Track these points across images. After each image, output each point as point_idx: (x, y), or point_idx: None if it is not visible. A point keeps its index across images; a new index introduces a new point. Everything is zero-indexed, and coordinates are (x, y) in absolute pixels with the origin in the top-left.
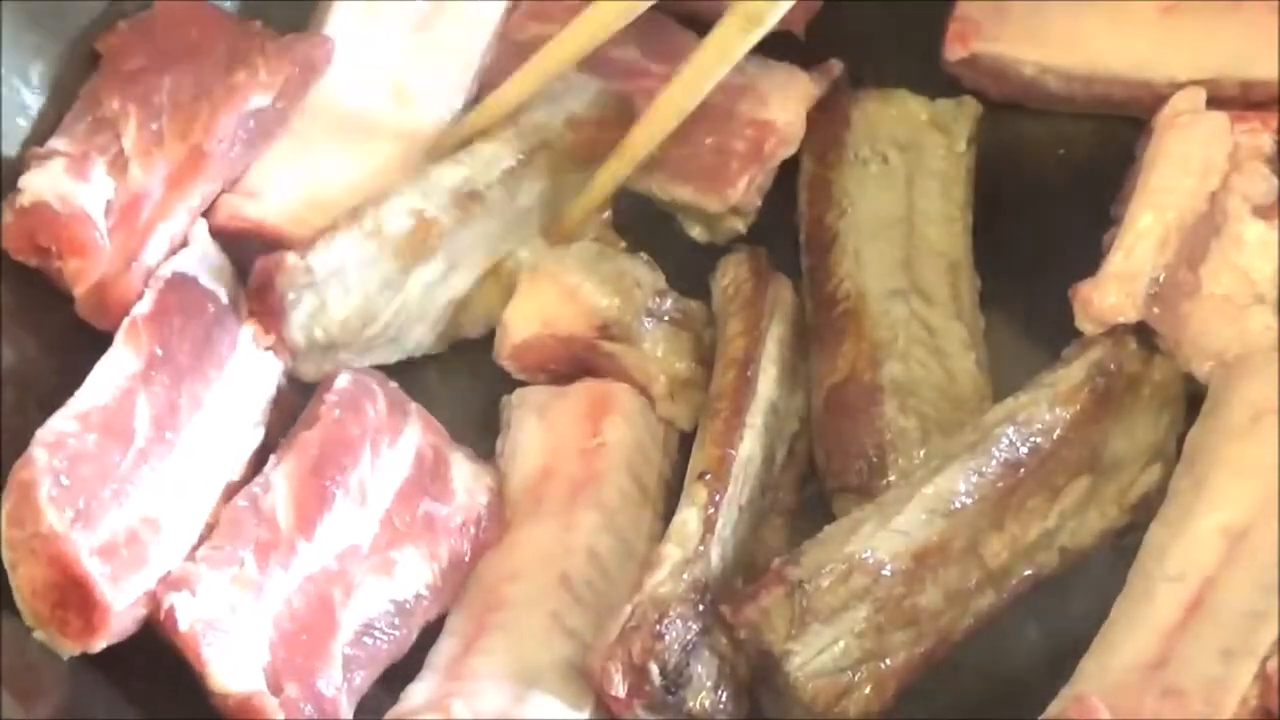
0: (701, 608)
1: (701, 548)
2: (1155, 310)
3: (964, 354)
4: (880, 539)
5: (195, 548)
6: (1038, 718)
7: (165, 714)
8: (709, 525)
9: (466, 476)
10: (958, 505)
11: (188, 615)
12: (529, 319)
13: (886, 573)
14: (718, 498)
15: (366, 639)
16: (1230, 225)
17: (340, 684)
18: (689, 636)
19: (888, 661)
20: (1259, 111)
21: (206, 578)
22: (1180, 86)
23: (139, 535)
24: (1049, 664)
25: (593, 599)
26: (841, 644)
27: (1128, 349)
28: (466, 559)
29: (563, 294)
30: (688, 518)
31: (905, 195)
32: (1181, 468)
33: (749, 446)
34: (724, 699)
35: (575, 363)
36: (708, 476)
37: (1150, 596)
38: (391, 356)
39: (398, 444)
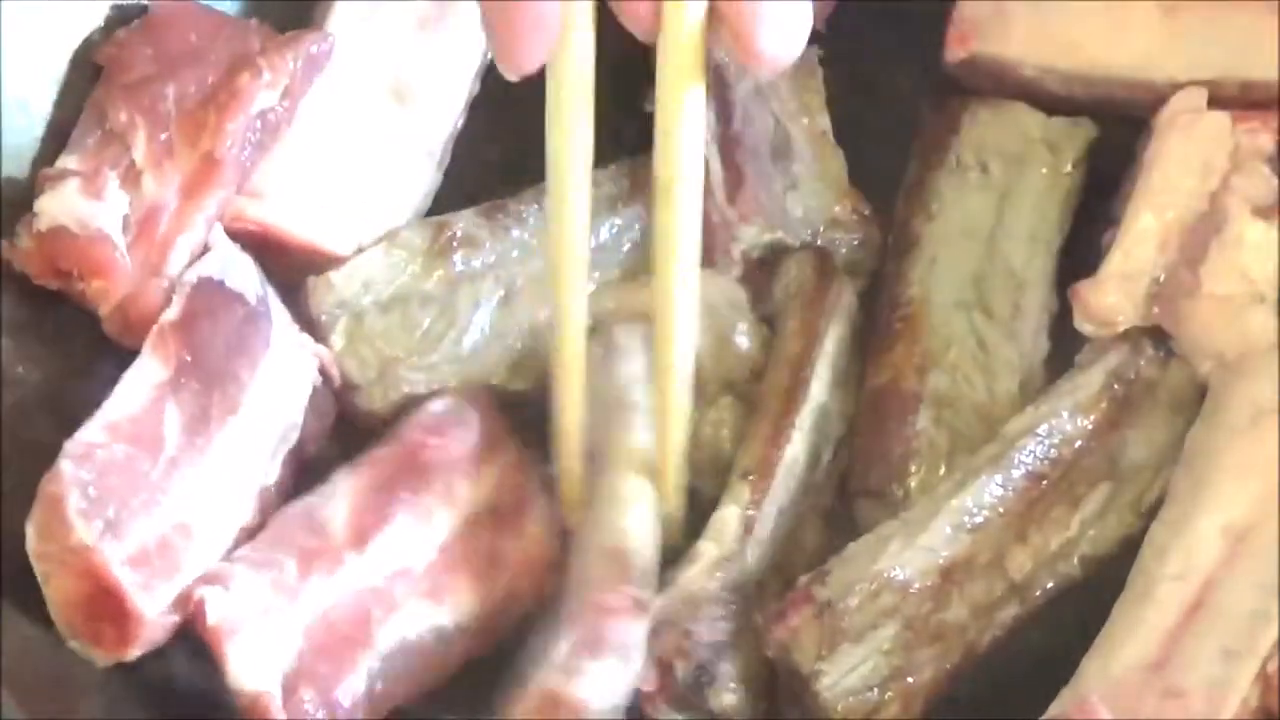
0: (734, 607)
1: (738, 548)
2: (1155, 310)
3: (1010, 376)
4: (908, 556)
5: (230, 550)
6: (1038, 718)
7: (171, 715)
8: (748, 526)
9: (544, 520)
10: (983, 519)
11: (217, 610)
12: None
13: (914, 590)
14: (759, 498)
15: (400, 658)
16: (1230, 225)
17: (361, 694)
18: (718, 637)
19: (915, 677)
20: (1260, 112)
21: (242, 577)
22: (1181, 87)
23: (171, 542)
24: (1049, 665)
25: None
26: (870, 663)
27: (1145, 354)
28: (525, 600)
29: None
30: (728, 516)
31: (996, 208)
32: (1182, 468)
33: (795, 448)
34: (747, 700)
35: None
36: (752, 477)
37: (1151, 597)
38: (465, 379)
39: (479, 476)
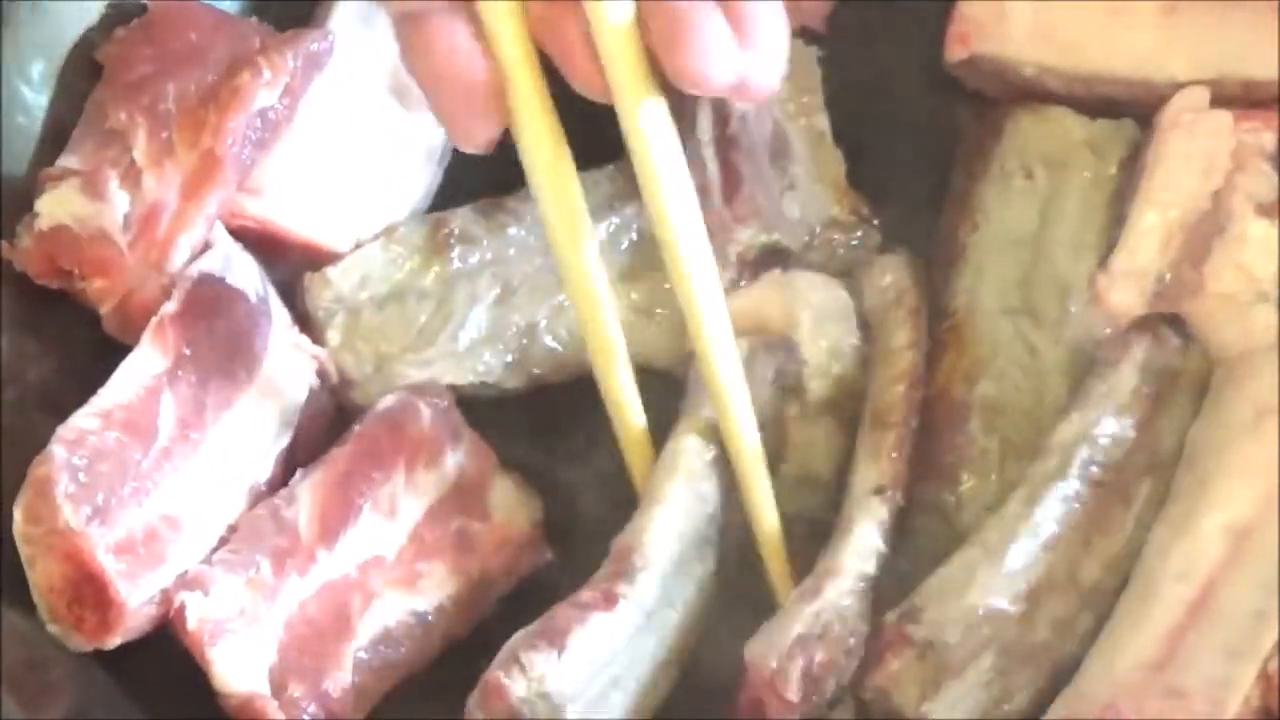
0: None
1: (879, 567)
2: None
3: (1059, 379)
4: (997, 583)
5: (216, 547)
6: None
7: (169, 715)
8: (889, 544)
9: (509, 501)
10: (1055, 533)
11: (197, 614)
12: None
13: (1007, 616)
14: (895, 517)
15: (383, 646)
16: (1233, 224)
17: (349, 686)
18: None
19: (1010, 705)
20: (1261, 111)
21: (220, 580)
22: (1182, 86)
23: (158, 533)
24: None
25: None
26: (972, 697)
27: (1169, 344)
28: (500, 581)
29: None
30: (867, 532)
31: (1041, 214)
32: (1184, 466)
33: None
34: None
35: None
36: (888, 492)
37: (1153, 596)
38: (461, 376)
39: (438, 464)
